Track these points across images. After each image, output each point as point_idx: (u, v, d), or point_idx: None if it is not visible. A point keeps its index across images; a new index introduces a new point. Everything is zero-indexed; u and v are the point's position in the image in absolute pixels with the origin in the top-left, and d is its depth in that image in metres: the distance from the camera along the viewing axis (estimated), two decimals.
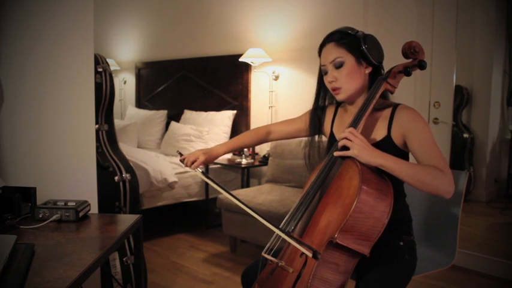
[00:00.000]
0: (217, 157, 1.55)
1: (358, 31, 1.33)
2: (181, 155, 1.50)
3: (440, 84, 2.83)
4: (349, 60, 1.31)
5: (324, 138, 1.53)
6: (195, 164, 1.48)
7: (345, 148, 1.22)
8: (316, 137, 1.52)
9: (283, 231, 1.20)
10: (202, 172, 1.45)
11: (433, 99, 2.87)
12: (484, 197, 3.60)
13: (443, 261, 1.62)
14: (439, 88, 2.84)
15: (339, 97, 1.35)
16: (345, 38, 1.32)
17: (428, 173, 1.17)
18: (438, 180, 1.16)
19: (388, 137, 1.30)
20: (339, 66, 1.31)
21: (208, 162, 1.52)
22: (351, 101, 1.39)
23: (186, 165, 1.48)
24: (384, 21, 2.96)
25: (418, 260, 1.39)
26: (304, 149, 1.53)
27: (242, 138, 1.62)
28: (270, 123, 3.68)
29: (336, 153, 1.24)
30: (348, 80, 1.31)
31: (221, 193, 1.44)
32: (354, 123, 1.27)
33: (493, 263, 2.64)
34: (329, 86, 1.36)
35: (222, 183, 3.84)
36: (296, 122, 1.57)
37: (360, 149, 1.18)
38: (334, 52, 1.32)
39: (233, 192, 3.13)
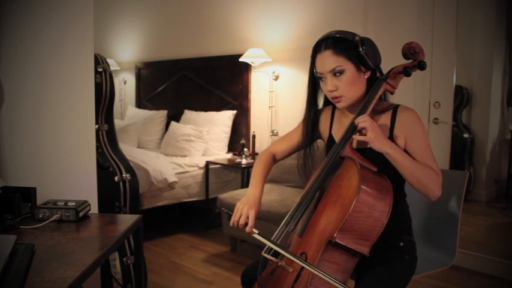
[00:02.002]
0: (261, 201, 1.39)
1: (355, 36, 1.29)
2: (230, 215, 1.34)
3: (440, 84, 2.83)
4: (349, 68, 1.28)
5: (319, 143, 1.52)
6: (250, 224, 1.29)
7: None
8: (308, 148, 1.50)
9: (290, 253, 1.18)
10: (260, 234, 1.25)
11: (433, 99, 2.87)
12: (484, 197, 3.60)
13: (443, 261, 1.62)
14: (439, 88, 2.84)
15: (340, 105, 1.33)
16: (342, 45, 1.28)
17: (426, 172, 1.22)
18: (432, 182, 1.21)
19: (389, 138, 1.30)
20: (339, 74, 1.28)
21: (258, 213, 1.34)
22: (351, 107, 1.37)
23: (237, 227, 1.32)
24: (384, 22, 2.96)
25: (418, 260, 1.39)
26: (298, 161, 1.50)
27: (261, 171, 1.47)
28: (270, 123, 3.70)
29: (355, 137, 1.24)
30: (350, 88, 1.29)
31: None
32: None
33: (493, 263, 2.64)
34: (329, 95, 1.33)
35: (222, 183, 3.86)
36: (294, 136, 1.52)
37: (376, 135, 1.19)
38: (332, 60, 1.27)
39: (233, 192, 3.14)
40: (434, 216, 1.73)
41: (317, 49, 1.32)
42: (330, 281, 1.08)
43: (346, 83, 1.28)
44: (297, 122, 1.56)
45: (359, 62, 1.28)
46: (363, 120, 1.21)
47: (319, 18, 3.36)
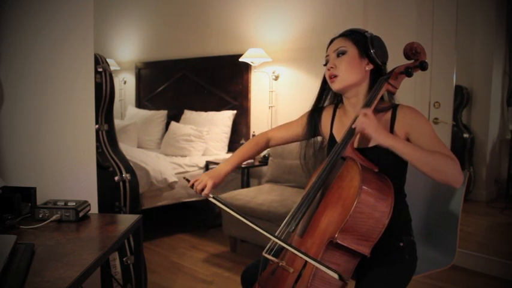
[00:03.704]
0: (225, 177, 1.48)
1: (366, 31, 1.36)
2: (188, 181, 1.45)
3: (440, 84, 2.83)
4: (352, 50, 1.33)
5: (320, 139, 1.53)
6: (205, 192, 1.42)
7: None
8: (312, 138, 1.52)
9: (287, 243, 1.20)
10: (214, 197, 1.40)
11: (433, 99, 2.87)
12: (484, 197, 3.60)
13: (443, 261, 1.62)
14: (439, 88, 2.84)
15: (334, 85, 1.36)
16: (353, 34, 1.36)
17: (439, 158, 1.16)
18: (449, 167, 1.15)
19: None
20: (341, 55, 1.34)
21: (216, 185, 1.45)
22: (344, 92, 1.39)
23: (196, 193, 1.44)
24: (384, 22, 2.96)
25: (418, 260, 1.39)
26: (300, 150, 1.52)
27: (244, 151, 1.55)
28: (270, 123, 3.70)
29: (356, 128, 1.24)
30: (347, 69, 1.32)
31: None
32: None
33: (493, 263, 2.64)
34: (327, 74, 1.37)
35: (222, 183, 3.86)
36: (293, 126, 1.55)
37: (375, 129, 1.19)
38: (339, 43, 1.36)
39: (233, 192, 3.14)
40: (434, 216, 1.73)
41: (331, 42, 1.40)
42: (327, 270, 1.08)
43: (345, 64, 1.33)
44: None
45: (364, 52, 1.32)
46: (361, 117, 1.22)
47: (319, 19, 3.36)
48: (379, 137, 1.19)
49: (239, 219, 1.31)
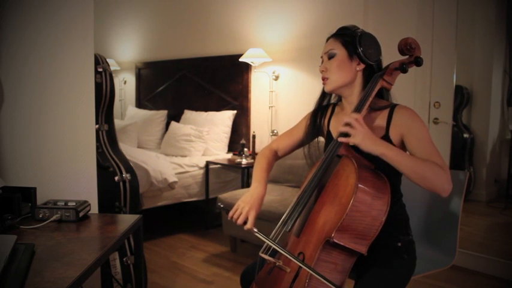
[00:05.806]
0: (262, 201, 1.40)
1: (358, 28, 1.35)
2: (227, 212, 1.35)
3: (440, 84, 2.83)
4: (340, 53, 1.34)
5: (322, 138, 1.53)
6: (249, 225, 1.31)
7: (348, 135, 1.21)
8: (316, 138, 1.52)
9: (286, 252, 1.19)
10: (258, 232, 1.27)
11: (433, 99, 2.87)
12: (484, 197, 3.60)
13: (443, 261, 1.62)
14: (439, 88, 2.84)
15: (326, 88, 1.39)
16: (344, 33, 1.36)
17: (428, 167, 1.16)
18: (437, 176, 1.16)
19: (385, 136, 1.30)
20: (331, 57, 1.36)
21: (258, 213, 1.35)
22: (337, 93, 1.41)
23: (239, 224, 1.34)
24: (384, 21, 2.96)
25: (418, 260, 1.39)
26: (303, 149, 1.52)
27: (267, 167, 1.50)
28: (270, 123, 3.70)
29: (340, 139, 1.23)
30: (336, 71, 1.34)
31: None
32: None
33: (493, 263, 2.64)
34: (321, 76, 1.40)
35: (222, 183, 3.85)
36: (295, 132, 1.54)
37: (363, 136, 1.17)
38: (330, 44, 1.37)
39: (233, 192, 3.14)
40: (434, 216, 1.73)
41: (327, 40, 1.41)
42: (325, 281, 1.08)
43: (334, 66, 1.35)
44: (297, 121, 1.56)
45: (353, 52, 1.33)
46: (346, 123, 1.21)
47: (319, 19, 3.36)
48: (367, 146, 1.17)
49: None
